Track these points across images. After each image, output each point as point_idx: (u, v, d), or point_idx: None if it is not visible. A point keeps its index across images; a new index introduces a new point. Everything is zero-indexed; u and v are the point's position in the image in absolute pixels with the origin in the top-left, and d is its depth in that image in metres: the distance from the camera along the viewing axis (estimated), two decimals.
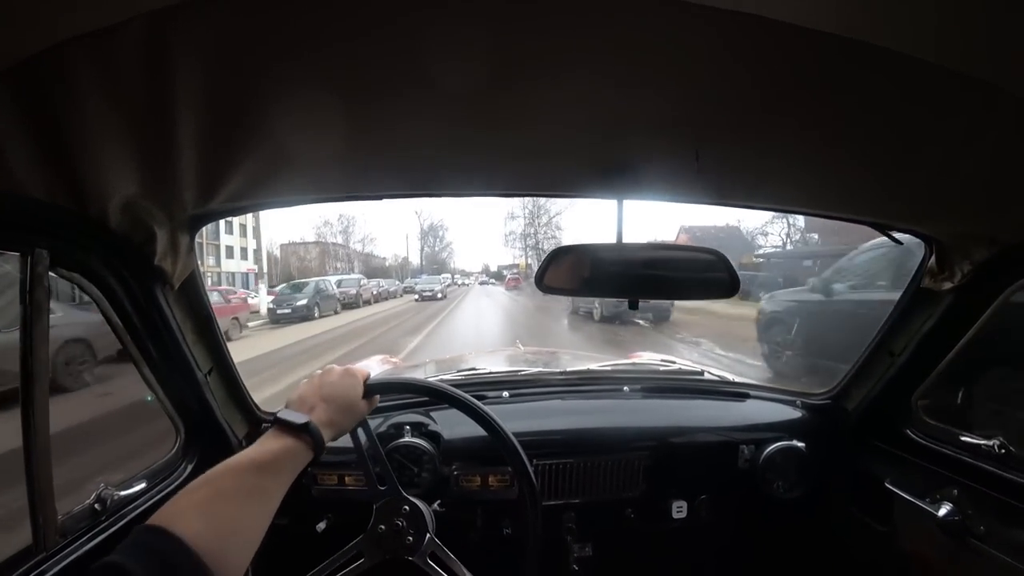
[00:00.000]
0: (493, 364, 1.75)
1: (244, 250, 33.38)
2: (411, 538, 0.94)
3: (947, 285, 1.03)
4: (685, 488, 1.32)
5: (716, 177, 0.86)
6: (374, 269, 44.44)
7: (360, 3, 0.46)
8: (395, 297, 27.19)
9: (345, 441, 0.93)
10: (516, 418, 1.21)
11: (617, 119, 0.69)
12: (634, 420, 1.37)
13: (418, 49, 0.52)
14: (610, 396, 1.47)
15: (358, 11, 0.47)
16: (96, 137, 0.60)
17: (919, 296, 1.12)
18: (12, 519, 0.76)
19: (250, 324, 13.39)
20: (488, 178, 0.93)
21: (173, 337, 0.96)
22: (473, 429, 0.94)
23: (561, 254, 0.89)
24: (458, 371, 1.59)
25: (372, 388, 0.86)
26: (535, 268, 1.13)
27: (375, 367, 2.28)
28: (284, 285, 19.96)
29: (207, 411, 1.08)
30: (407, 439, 1.20)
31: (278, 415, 0.72)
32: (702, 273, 0.87)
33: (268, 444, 0.69)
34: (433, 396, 1.01)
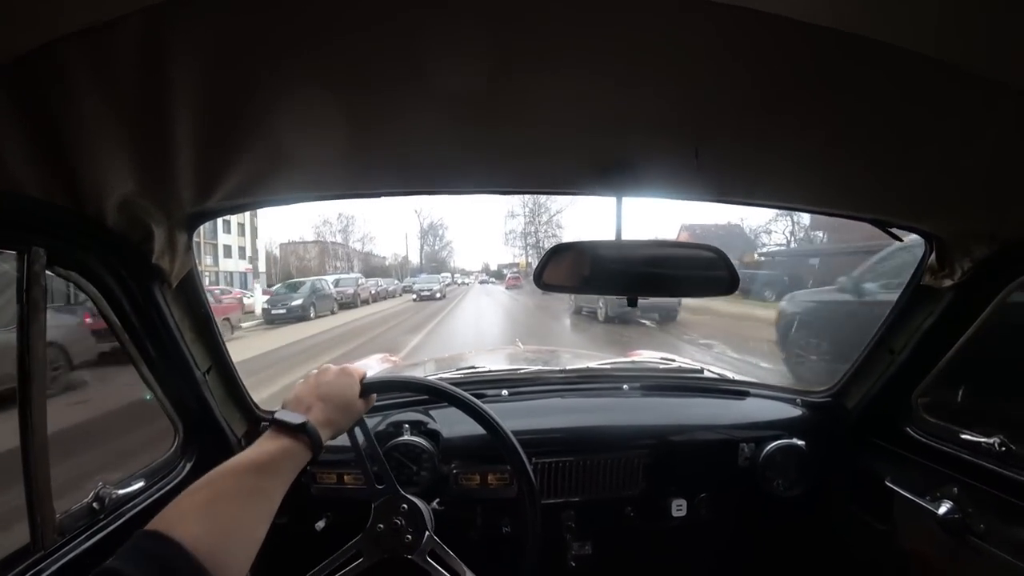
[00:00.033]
0: (492, 362, 1.75)
1: (243, 249, 33.18)
2: (410, 536, 0.94)
3: (947, 282, 1.03)
4: (685, 486, 1.32)
5: (715, 174, 0.86)
6: (374, 268, 44.40)
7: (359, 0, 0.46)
8: (394, 296, 26.85)
9: (344, 440, 0.93)
10: (515, 416, 1.21)
11: (616, 116, 0.69)
12: (634, 418, 1.37)
13: (417, 47, 0.52)
14: (610, 394, 1.46)
15: (357, 8, 0.46)
16: (93, 135, 0.60)
17: (919, 293, 1.12)
18: (10, 518, 0.76)
19: (244, 325, 13.21)
20: (487, 176, 0.93)
21: (171, 336, 0.96)
22: (472, 427, 0.94)
23: (560, 251, 0.89)
24: (457, 369, 1.59)
25: (369, 387, 0.87)
26: (535, 267, 1.13)
27: (375, 365, 2.28)
28: (280, 284, 19.76)
29: (206, 410, 1.08)
30: (406, 437, 1.20)
31: (275, 416, 0.72)
32: (701, 270, 0.87)
33: (266, 445, 0.69)
34: (431, 394, 1.00)
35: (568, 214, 40.80)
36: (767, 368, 6.82)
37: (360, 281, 23.69)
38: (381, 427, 1.23)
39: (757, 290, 13.80)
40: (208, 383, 1.08)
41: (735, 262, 0.87)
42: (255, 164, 0.76)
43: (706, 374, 1.63)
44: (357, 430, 0.95)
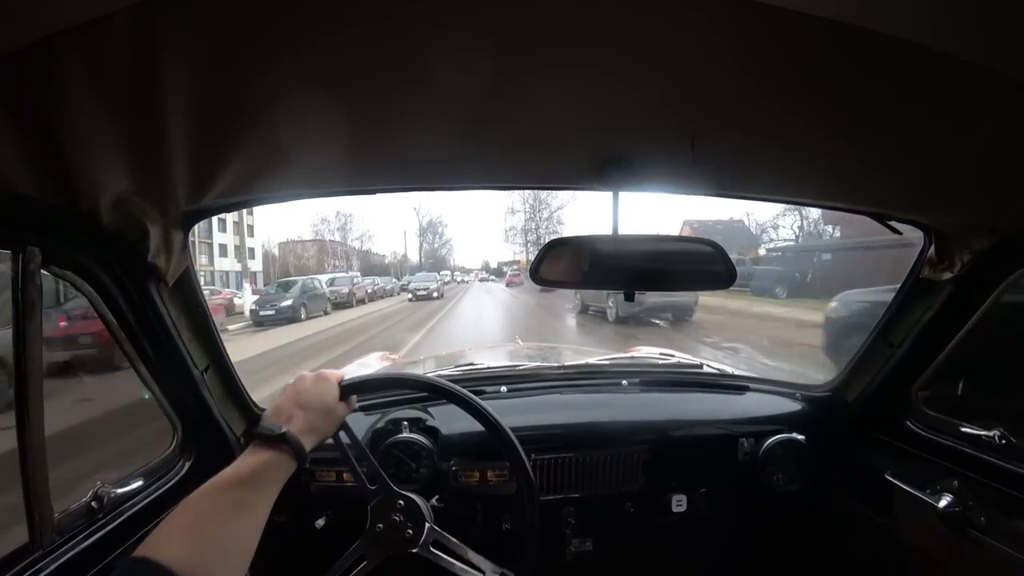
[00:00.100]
0: (492, 359, 1.75)
1: (238, 248, 33.10)
2: (411, 531, 0.94)
3: (947, 275, 1.03)
4: (684, 482, 1.32)
5: (713, 168, 0.85)
6: (373, 267, 44.41)
7: None
8: (392, 295, 26.42)
9: (343, 438, 0.93)
10: (515, 413, 1.21)
11: (612, 111, 0.69)
12: (633, 414, 1.37)
13: (413, 43, 0.52)
14: (609, 390, 1.46)
15: (354, 5, 0.46)
16: (87, 133, 0.59)
17: (918, 286, 1.12)
18: (9, 517, 0.76)
19: (230, 327, 12.96)
20: (482, 171, 0.93)
21: (168, 335, 0.96)
22: (471, 424, 0.94)
23: (556, 246, 0.89)
24: (456, 366, 1.59)
25: (347, 389, 0.87)
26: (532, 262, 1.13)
27: (374, 363, 2.28)
28: (270, 284, 19.43)
29: (204, 409, 1.08)
30: (405, 435, 1.19)
31: (255, 430, 0.73)
32: (699, 264, 0.87)
33: (248, 459, 0.70)
34: (413, 388, 0.99)
35: (570, 209, 40.81)
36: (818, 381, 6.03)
37: (356, 280, 23.24)
38: (380, 424, 1.23)
39: (767, 287, 13.45)
40: (206, 382, 1.08)
41: (736, 257, 0.87)
42: (251, 161, 0.75)
43: (705, 369, 1.63)
44: (341, 434, 0.94)
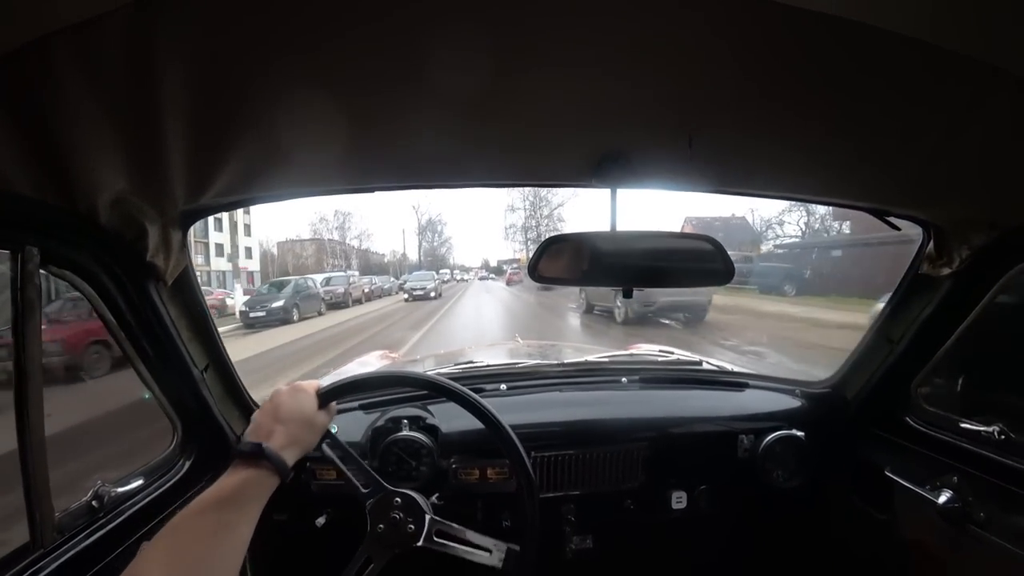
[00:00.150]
0: (491, 357, 1.75)
1: (236, 248, 32.92)
2: (412, 526, 0.94)
3: (945, 271, 1.03)
4: (684, 479, 1.32)
5: (711, 164, 0.85)
6: (372, 265, 44.40)
7: None
8: (390, 295, 25.95)
9: (340, 438, 0.93)
10: (514, 410, 1.21)
11: (609, 108, 0.69)
12: (633, 411, 1.37)
13: (411, 43, 0.52)
14: (608, 387, 1.46)
15: (352, 5, 0.46)
16: (84, 132, 0.59)
17: (917, 282, 1.12)
18: (9, 517, 0.76)
19: (220, 329, 12.46)
20: (480, 169, 0.93)
21: (168, 334, 0.96)
22: (470, 422, 0.94)
23: (555, 243, 0.89)
24: (455, 364, 1.59)
25: (325, 396, 0.87)
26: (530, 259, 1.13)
27: (374, 362, 2.28)
28: (262, 284, 18.98)
29: (204, 408, 1.08)
30: (405, 433, 1.19)
31: (234, 448, 0.73)
32: (697, 261, 0.87)
33: (228, 479, 0.70)
34: (394, 384, 0.99)
35: (570, 206, 40.66)
36: None
37: (352, 279, 22.75)
38: (380, 423, 1.23)
39: (775, 284, 13.18)
40: (206, 381, 1.08)
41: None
42: (249, 160, 0.75)
43: (705, 366, 1.64)
44: (325, 444, 0.94)
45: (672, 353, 1.81)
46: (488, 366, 1.54)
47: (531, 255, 0.91)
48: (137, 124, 0.60)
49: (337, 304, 18.57)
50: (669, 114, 0.70)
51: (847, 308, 9.63)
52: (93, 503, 0.85)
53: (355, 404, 1.31)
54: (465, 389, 0.94)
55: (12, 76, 0.48)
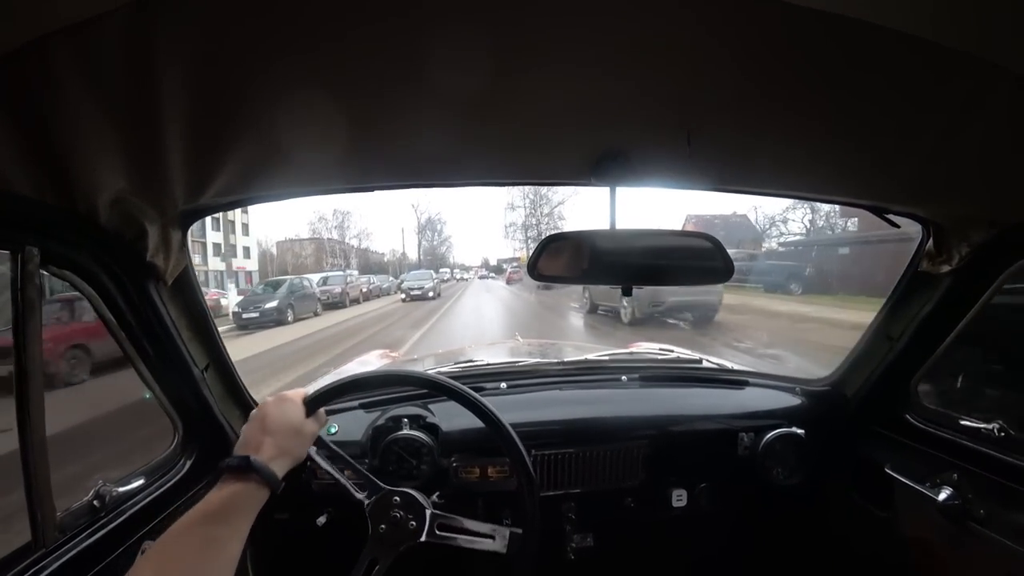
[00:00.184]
0: (491, 356, 1.75)
1: (232, 247, 32.63)
2: (413, 523, 0.94)
3: (945, 268, 1.03)
4: (685, 476, 1.32)
5: (709, 163, 0.85)
6: (372, 265, 44.37)
7: None
8: (388, 294, 25.53)
9: (344, 436, 0.94)
10: (514, 409, 1.21)
11: (607, 106, 0.69)
12: (633, 409, 1.37)
13: (410, 43, 0.52)
14: (608, 386, 1.46)
15: (351, 5, 0.46)
16: (84, 132, 0.59)
17: (917, 280, 1.12)
18: (11, 516, 0.76)
19: None
20: (479, 168, 0.93)
21: (168, 334, 0.96)
22: (471, 421, 0.94)
23: (554, 241, 0.89)
24: (455, 363, 1.59)
25: (312, 403, 0.87)
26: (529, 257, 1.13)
27: (374, 361, 2.29)
28: (257, 284, 18.59)
29: (205, 407, 1.08)
30: (405, 432, 1.20)
31: (221, 463, 0.73)
32: (696, 259, 0.87)
33: (217, 494, 0.70)
34: (387, 384, 0.98)
35: (571, 204, 40.55)
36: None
37: (349, 278, 22.38)
38: (380, 422, 1.23)
39: (781, 283, 12.96)
40: (206, 380, 1.08)
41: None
42: (249, 160, 0.75)
43: (704, 364, 1.64)
44: (315, 453, 0.94)
45: (672, 351, 1.81)
46: (488, 365, 1.54)
47: (531, 253, 0.91)
48: (137, 124, 0.60)
49: (334, 304, 18.31)
50: (668, 112, 0.70)
51: (858, 307, 9.44)
52: (95, 502, 0.86)
53: (355, 403, 1.31)
54: (465, 387, 0.94)
55: (12, 76, 0.48)
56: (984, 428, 1.03)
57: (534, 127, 0.75)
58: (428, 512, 0.95)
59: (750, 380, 1.52)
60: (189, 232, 0.95)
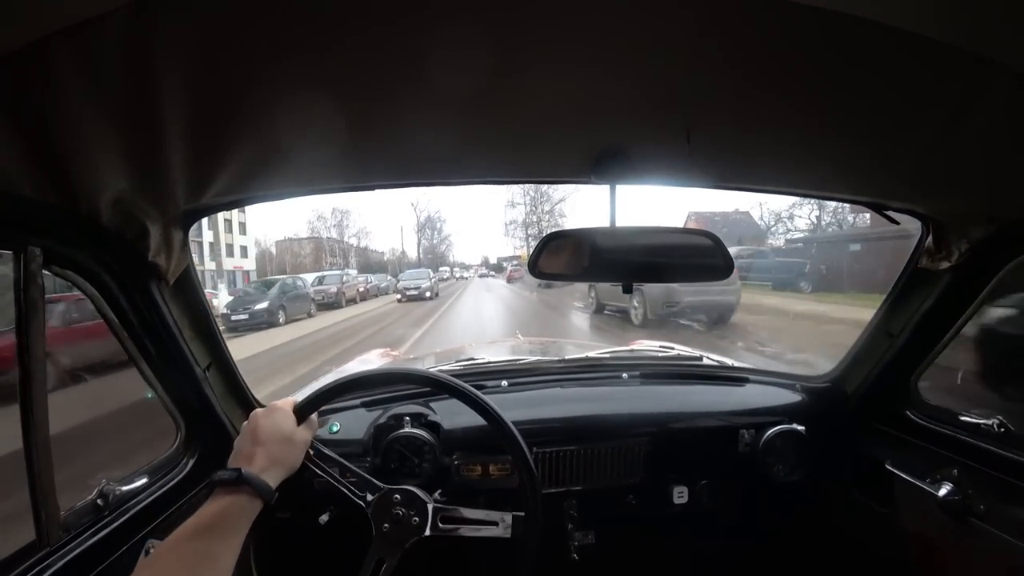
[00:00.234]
0: (492, 354, 1.76)
1: (230, 247, 32.51)
2: (416, 519, 0.94)
3: (944, 264, 1.03)
4: (685, 473, 1.33)
5: (709, 160, 0.86)
6: (372, 263, 44.35)
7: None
8: (386, 294, 25.21)
9: (344, 435, 0.94)
10: (515, 407, 1.21)
11: (607, 105, 0.69)
12: (633, 406, 1.38)
13: (410, 42, 0.52)
14: (609, 383, 1.47)
15: (351, 6, 0.46)
16: (84, 133, 0.59)
17: (916, 276, 1.12)
18: (15, 515, 0.77)
19: None
20: (479, 166, 0.93)
21: (170, 333, 0.96)
22: (472, 419, 0.94)
23: (555, 239, 0.89)
24: (456, 361, 1.60)
25: (303, 410, 0.88)
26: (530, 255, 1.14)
27: (375, 360, 2.29)
28: (248, 284, 18.21)
29: (207, 406, 1.09)
30: (407, 430, 1.20)
31: (213, 477, 0.73)
32: (696, 256, 0.87)
33: (209, 507, 0.70)
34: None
35: (571, 201, 40.35)
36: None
37: (345, 278, 21.90)
38: (382, 420, 1.23)
39: (790, 280, 12.72)
40: (208, 380, 1.08)
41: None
42: (250, 159, 0.75)
43: (705, 361, 1.64)
44: (310, 460, 0.94)
45: (672, 348, 1.81)
46: (489, 363, 1.54)
47: (532, 251, 0.92)
48: (138, 124, 0.60)
49: (329, 304, 17.98)
50: (667, 110, 0.70)
51: (877, 306, 9.06)
52: (98, 501, 0.86)
53: (356, 402, 1.32)
54: (467, 385, 0.95)
55: (13, 76, 0.48)
56: (984, 424, 1.04)
57: (534, 125, 0.75)
58: (430, 506, 0.95)
59: (751, 377, 1.52)
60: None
